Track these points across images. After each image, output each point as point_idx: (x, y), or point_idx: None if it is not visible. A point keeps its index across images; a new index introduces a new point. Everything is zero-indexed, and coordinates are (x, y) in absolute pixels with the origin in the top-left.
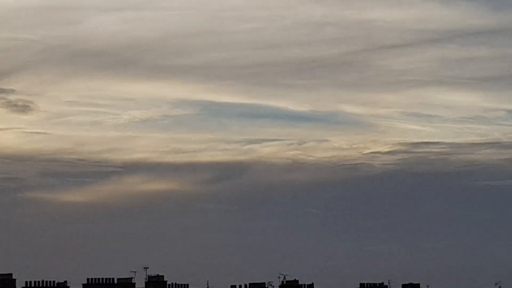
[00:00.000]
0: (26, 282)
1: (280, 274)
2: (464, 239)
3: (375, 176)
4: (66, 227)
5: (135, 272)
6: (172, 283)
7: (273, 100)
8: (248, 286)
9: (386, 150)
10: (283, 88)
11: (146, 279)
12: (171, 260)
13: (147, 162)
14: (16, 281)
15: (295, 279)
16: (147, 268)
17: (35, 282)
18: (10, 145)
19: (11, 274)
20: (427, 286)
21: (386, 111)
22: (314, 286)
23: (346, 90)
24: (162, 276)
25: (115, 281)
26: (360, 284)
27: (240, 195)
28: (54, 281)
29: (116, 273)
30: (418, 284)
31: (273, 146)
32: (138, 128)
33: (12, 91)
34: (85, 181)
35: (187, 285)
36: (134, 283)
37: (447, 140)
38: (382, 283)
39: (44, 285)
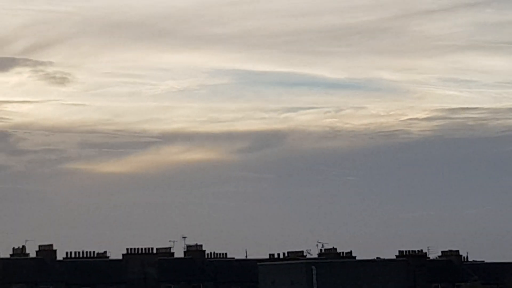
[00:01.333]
0: (67, 253)
1: (318, 242)
2: (503, 205)
3: (412, 143)
4: (105, 197)
5: (173, 241)
6: (211, 252)
7: (310, 68)
8: (286, 255)
9: (424, 116)
10: (320, 55)
11: (184, 248)
12: (209, 229)
13: (184, 132)
14: (57, 251)
15: (333, 247)
16: (186, 237)
17: (75, 252)
18: (49, 117)
19: (51, 245)
20: (467, 253)
21: (423, 77)
22: (353, 253)
23: (382, 57)
24: (201, 246)
25: (154, 251)
26: (399, 251)
27: (277, 163)
28: (94, 252)
29: (155, 243)
30: (457, 251)
31: (310, 114)
32: (175, 98)
33: (50, 63)
34: (123, 152)
35: (226, 254)
36: (173, 253)
37: (485, 105)
38: (421, 250)
39: (84, 255)
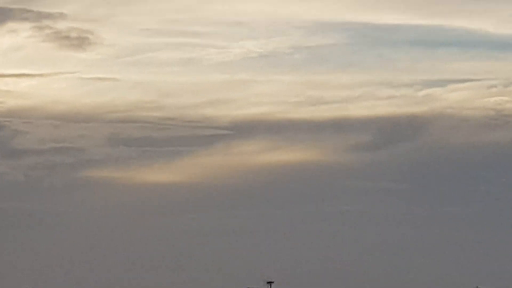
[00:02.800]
0: None
1: None
2: None
3: None
4: (148, 221)
5: None
6: None
7: (464, 19)
8: None
9: None
10: (480, 1)
11: None
12: (307, 269)
13: (268, 120)
14: None
15: None
16: (272, 282)
17: None
18: (62, 99)
19: None
20: None
21: None
22: None
23: None
24: None
25: None
26: None
27: (414, 167)
28: None
29: None
30: None
31: (464, 90)
32: (254, 67)
33: (62, 16)
34: (175, 151)
35: None
36: None
37: None
38: None
39: None
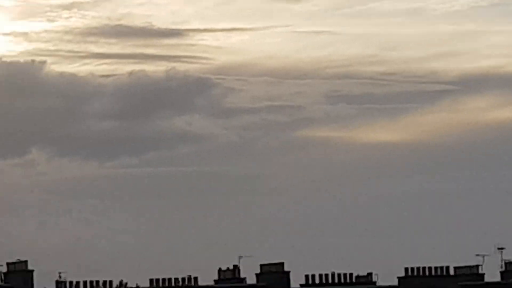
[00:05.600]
0: None
1: None
2: None
3: None
4: (369, 182)
5: (483, 256)
6: None
7: None
8: None
9: None
10: None
11: (501, 266)
12: None
13: (500, 74)
14: None
15: None
16: (503, 249)
17: None
18: (276, 54)
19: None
20: None
21: None
22: None
23: None
24: None
25: (451, 271)
26: None
27: None
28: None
29: (451, 257)
30: None
31: None
32: (484, 17)
33: None
34: (398, 109)
35: None
36: (483, 274)
37: None
38: None
39: None
